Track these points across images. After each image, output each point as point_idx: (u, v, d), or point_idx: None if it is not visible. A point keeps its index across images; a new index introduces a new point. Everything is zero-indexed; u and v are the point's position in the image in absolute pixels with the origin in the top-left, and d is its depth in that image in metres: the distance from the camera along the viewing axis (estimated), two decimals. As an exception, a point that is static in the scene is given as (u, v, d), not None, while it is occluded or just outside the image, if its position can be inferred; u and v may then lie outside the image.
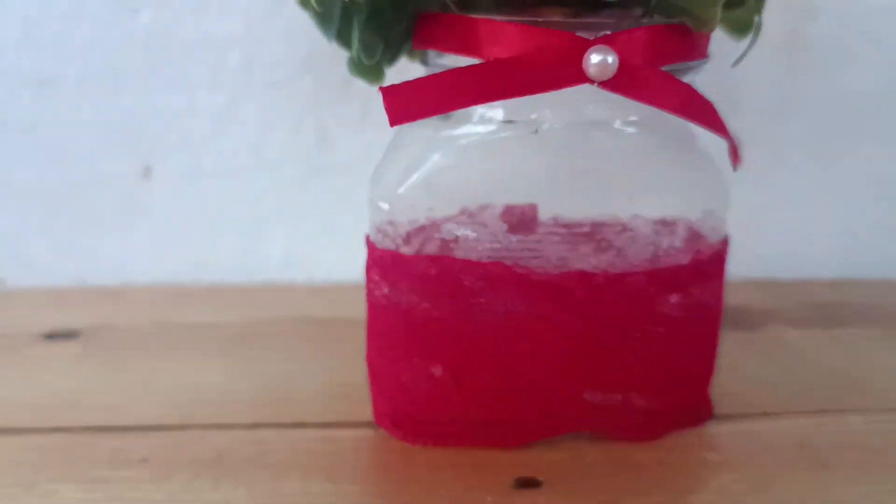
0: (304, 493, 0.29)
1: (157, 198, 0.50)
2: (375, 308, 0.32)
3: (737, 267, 0.51)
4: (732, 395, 0.37)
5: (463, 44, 0.28)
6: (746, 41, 0.33)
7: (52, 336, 0.42)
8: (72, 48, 0.47)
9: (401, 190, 0.30)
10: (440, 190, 0.30)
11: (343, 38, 0.30)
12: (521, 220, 0.30)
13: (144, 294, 0.49)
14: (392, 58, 0.32)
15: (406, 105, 0.26)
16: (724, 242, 0.33)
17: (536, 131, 0.28)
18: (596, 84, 0.26)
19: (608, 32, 0.27)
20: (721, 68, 0.49)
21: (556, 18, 0.28)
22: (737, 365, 0.39)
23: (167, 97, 0.48)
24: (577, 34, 0.26)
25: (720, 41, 0.47)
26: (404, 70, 0.33)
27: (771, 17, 0.49)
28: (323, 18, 0.30)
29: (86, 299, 0.48)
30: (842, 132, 0.51)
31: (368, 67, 0.30)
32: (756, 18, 0.32)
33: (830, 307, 0.47)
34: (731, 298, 0.46)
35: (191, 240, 0.50)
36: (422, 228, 0.30)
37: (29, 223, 0.49)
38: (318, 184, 0.50)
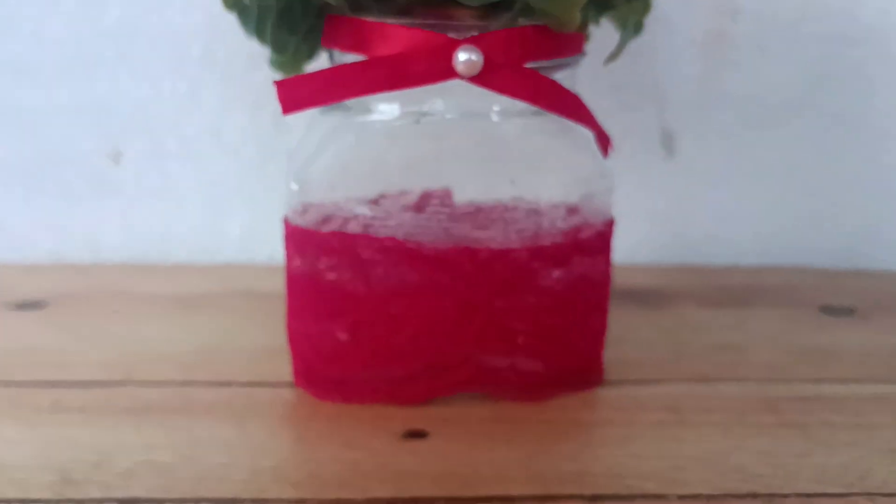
0: (213, 438, 0.33)
1: (125, 178, 0.54)
2: (291, 279, 0.36)
3: (660, 252, 0.55)
4: (625, 364, 0.40)
5: (357, 43, 0.31)
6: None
7: (22, 306, 0.46)
8: (48, 39, 0.51)
9: (307, 173, 0.34)
10: (342, 173, 0.34)
11: (260, 35, 0.34)
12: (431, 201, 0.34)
13: (112, 269, 0.53)
14: (309, 54, 0.35)
15: (297, 96, 0.30)
16: (609, 224, 0.37)
17: (418, 121, 0.32)
18: (465, 79, 0.30)
19: (476, 33, 0.30)
20: (650, 64, 0.53)
21: (449, 21, 0.32)
22: (636, 338, 0.43)
23: (134, 84, 0.52)
24: (449, 35, 0.30)
25: (649, 42, 0.51)
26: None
27: (695, 16, 0.53)
28: (243, 17, 0.34)
29: (57, 273, 0.52)
30: (761, 123, 0.54)
31: (285, 62, 0.34)
32: (633, 20, 0.35)
33: (741, 290, 0.50)
34: (648, 281, 0.50)
35: (156, 218, 0.54)
36: (327, 207, 0.34)
37: (7, 200, 0.54)
38: (274, 166, 0.54)
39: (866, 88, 0.54)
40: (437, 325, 0.34)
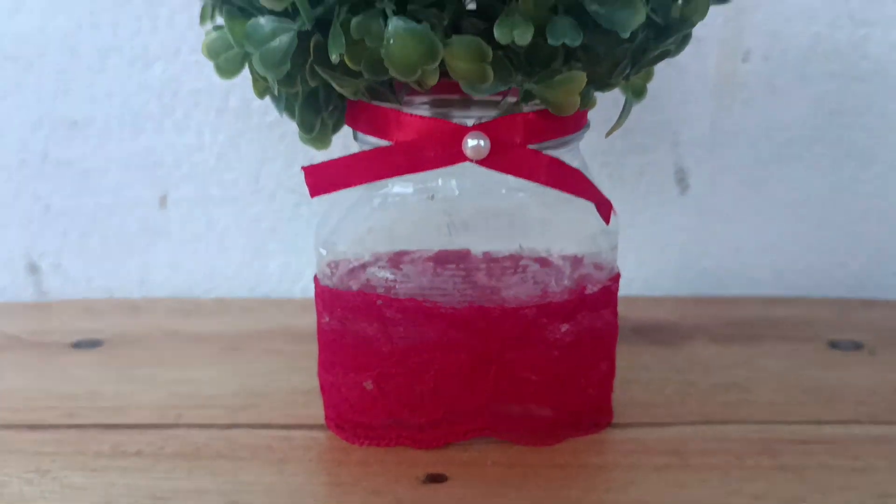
0: (258, 482, 0.37)
1: (171, 221, 0.58)
2: (322, 333, 0.39)
3: (675, 284, 0.58)
4: (634, 405, 0.43)
5: (375, 128, 0.35)
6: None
7: (79, 345, 0.50)
8: (99, 95, 0.55)
9: (334, 240, 0.37)
10: (365, 240, 0.37)
11: (290, 115, 0.37)
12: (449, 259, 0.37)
13: (161, 305, 0.57)
14: (334, 129, 0.39)
15: (323, 181, 0.34)
16: (614, 278, 0.40)
17: (433, 197, 0.35)
18: (474, 162, 0.33)
19: (485, 119, 0.33)
20: (662, 107, 0.55)
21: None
22: (646, 378, 0.46)
23: (178, 135, 0.56)
24: (459, 121, 0.33)
25: (662, 86, 0.53)
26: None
27: (706, 57, 0.55)
28: (273, 101, 0.38)
29: (111, 311, 0.56)
30: (773, 159, 0.56)
31: (312, 139, 0.37)
32: (629, 96, 0.38)
33: (752, 324, 0.53)
34: (662, 314, 0.53)
35: (201, 257, 0.58)
36: (353, 270, 0.37)
37: (65, 244, 0.58)
38: (306, 209, 0.57)
39: (876, 123, 0.56)
40: (454, 376, 0.37)
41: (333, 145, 0.39)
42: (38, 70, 0.55)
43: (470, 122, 0.33)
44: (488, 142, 0.33)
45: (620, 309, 0.48)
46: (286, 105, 0.37)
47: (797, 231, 0.58)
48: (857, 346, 0.49)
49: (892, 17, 0.54)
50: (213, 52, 0.33)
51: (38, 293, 0.59)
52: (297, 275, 0.58)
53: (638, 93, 0.40)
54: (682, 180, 0.57)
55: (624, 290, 0.56)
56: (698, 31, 0.53)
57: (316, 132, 0.36)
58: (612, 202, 0.55)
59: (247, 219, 0.58)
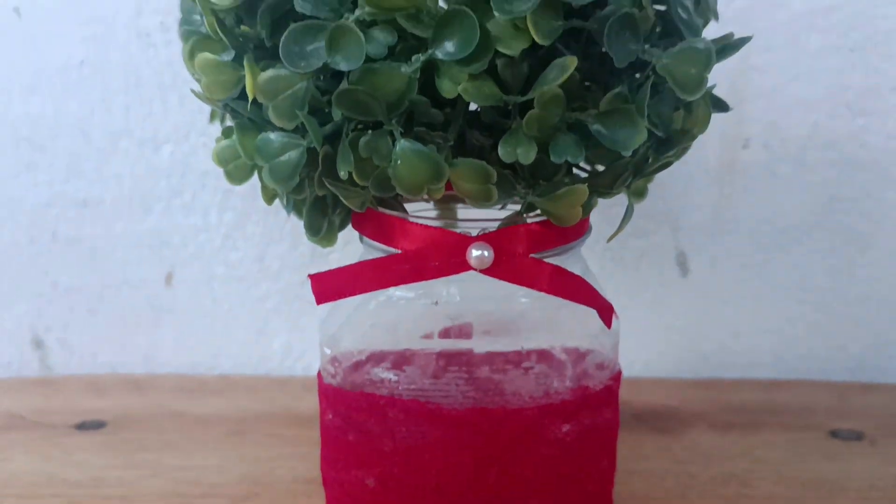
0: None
1: (177, 299, 0.58)
2: (325, 429, 0.40)
3: (677, 366, 0.58)
4: (635, 500, 0.43)
5: (381, 235, 0.35)
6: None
7: (83, 426, 0.51)
8: (109, 177, 0.56)
9: (338, 339, 0.38)
10: (369, 340, 0.37)
11: (297, 215, 0.38)
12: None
13: (166, 382, 0.57)
14: (341, 226, 0.39)
15: (329, 288, 0.34)
16: (615, 377, 0.40)
17: (437, 303, 0.36)
18: (477, 271, 0.34)
19: (489, 229, 0.34)
20: (663, 192, 0.56)
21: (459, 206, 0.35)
22: (647, 469, 0.46)
23: (186, 216, 0.57)
24: (463, 231, 0.34)
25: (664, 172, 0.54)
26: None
27: (707, 145, 0.56)
28: (282, 203, 0.38)
29: (115, 388, 0.56)
30: (772, 244, 0.57)
31: (319, 238, 0.38)
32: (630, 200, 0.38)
33: (753, 410, 0.53)
34: (662, 399, 0.53)
35: (206, 335, 0.59)
36: (356, 368, 0.38)
37: (72, 320, 0.58)
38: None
39: (873, 210, 0.57)
40: (456, 476, 0.38)
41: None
42: (50, 151, 0.56)
43: (474, 232, 0.34)
44: (492, 252, 0.33)
45: (622, 392, 0.48)
46: (294, 206, 0.38)
47: (797, 315, 0.59)
48: (858, 437, 0.50)
49: (889, 107, 0.55)
50: (223, 159, 0.34)
51: (42, 368, 0.59)
52: (300, 353, 0.59)
53: (639, 194, 0.40)
54: (682, 264, 0.58)
55: (625, 371, 0.56)
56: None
57: (323, 234, 0.37)
58: (613, 286, 0.56)
59: (251, 298, 0.58)
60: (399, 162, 0.30)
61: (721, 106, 0.37)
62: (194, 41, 0.33)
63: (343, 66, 0.29)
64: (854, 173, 0.56)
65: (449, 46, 0.29)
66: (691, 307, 0.59)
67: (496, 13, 0.28)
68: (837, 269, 0.58)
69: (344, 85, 0.29)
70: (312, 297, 0.56)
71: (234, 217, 0.57)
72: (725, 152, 0.56)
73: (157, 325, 0.59)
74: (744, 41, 0.35)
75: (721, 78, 0.54)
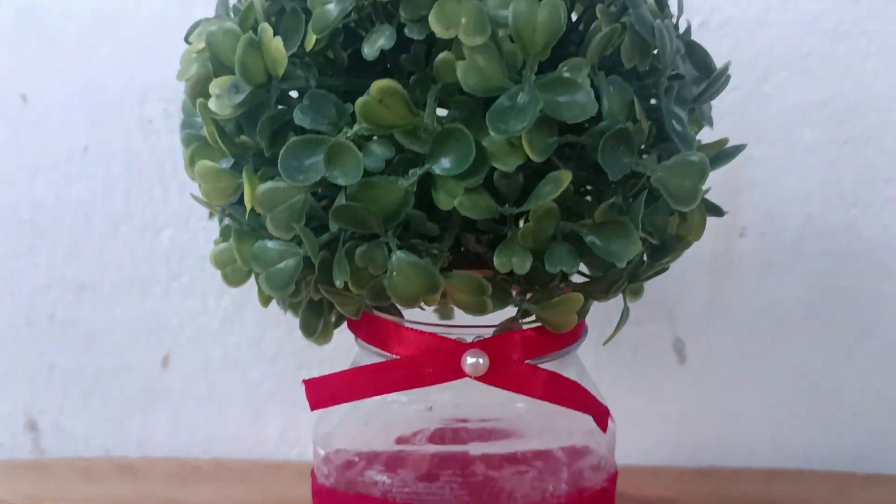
0: None
1: (173, 382, 0.58)
2: (318, 526, 0.39)
3: (674, 454, 0.58)
4: None
5: (376, 339, 0.35)
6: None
7: (74, 516, 0.50)
8: (108, 261, 0.56)
9: (332, 441, 0.38)
10: (363, 440, 0.37)
11: (294, 313, 0.38)
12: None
13: (159, 468, 0.57)
14: (336, 324, 0.39)
15: (323, 395, 0.34)
16: (611, 478, 0.40)
17: (430, 408, 0.36)
18: (472, 378, 0.34)
19: (484, 336, 0.34)
20: (660, 281, 0.56)
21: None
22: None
23: (184, 300, 0.57)
24: (458, 337, 0.34)
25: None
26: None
27: (704, 235, 0.56)
28: (278, 302, 0.39)
29: (108, 473, 0.56)
30: (769, 333, 0.57)
31: (315, 337, 0.38)
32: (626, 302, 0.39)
33: (752, 503, 0.52)
34: (659, 490, 0.53)
35: (201, 419, 0.58)
36: (350, 470, 0.38)
37: (66, 404, 0.58)
38: (306, 373, 0.57)
39: (870, 300, 0.57)
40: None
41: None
42: (51, 235, 0.56)
43: (469, 338, 0.34)
44: (487, 359, 0.34)
45: (619, 483, 0.48)
46: (290, 307, 0.38)
47: (794, 404, 0.58)
48: (857, 535, 0.49)
49: (883, 199, 0.56)
50: (220, 262, 0.35)
51: (35, 451, 0.59)
52: (295, 439, 0.59)
53: (635, 294, 0.40)
54: (679, 351, 0.58)
55: (623, 460, 0.56)
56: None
57: (318, 334, 0.37)
58: (610, 374, 0.56)
59: (247, 382, 0.58)
60: (395, 273, 0.30)
61: (716, 211, 0.37)
62: (194, 148, 0.33)
63: (341, 182, 0.29)
64: (849, 264, 0.57)
65: (445, 162, 0.29)
66: (688, 395, 0.58)
67: (491, 132, 0.28)
68: (834, 359, 0.58)
69: (341, 200, 0.29)
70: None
71: (232, 302, 0.57)
72: (721, 241, 0.57)
73: (152, 408, 0.58)
74: (738, 149, 0.36)
75: (716, 169, 0.54)
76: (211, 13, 0.51)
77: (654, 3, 0.33)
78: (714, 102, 0.52)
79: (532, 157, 0.29)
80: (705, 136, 0.39)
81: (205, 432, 0.59)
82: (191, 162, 0.34)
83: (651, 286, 0.57)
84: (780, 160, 0.56)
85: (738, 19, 0.54)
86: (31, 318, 0.57)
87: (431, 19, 0.28)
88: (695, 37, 0.49)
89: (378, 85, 0.28)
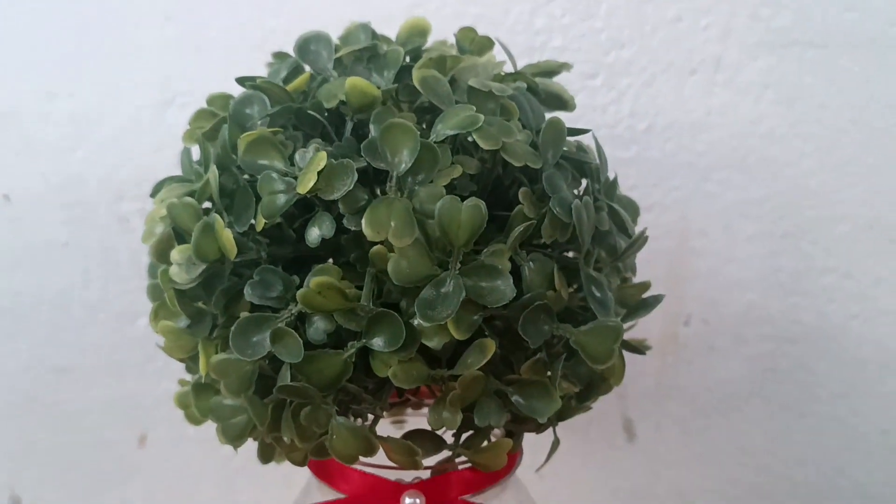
0: None
1: (148, 459, 0.61)
2: None
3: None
4: None
5: (324, 475, 0.39)
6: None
7: None
8: (86, 346, 0.60)
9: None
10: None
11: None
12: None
13: (135, 541, 0.60)
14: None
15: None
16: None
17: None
18: (409, 518, 0.37)
19: (422, 477, 0.37)
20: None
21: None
22: None
23: (158, 382, 0.60)
24: (397, 479, 0.37)
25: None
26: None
27: (651, 322, 0.60)
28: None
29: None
30: (712, 411, 0.61)
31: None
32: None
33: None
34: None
35: (176, 492, 0.62)
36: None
37: (49, 477, 0.61)
38: (278, 453, 0.61)
39: (807, 379, 0.60)
40: None
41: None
42: (31, 322, 0.59)
43: (408, 479, 0.37)
44: (424, 499, 0.37)
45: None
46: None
47: (738, 476, 0.62)
48: None
49: (819, 288, 0.59)
50: (183, 404, 0.38)
51: (19, 524, 0.62)
52: (266, 511, 0.62)
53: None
54: (629, 430, 0.61)
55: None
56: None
57: (273, 460, 0.40)
58: (564, 449, 0.60)
59: (219, 457, 0.61)
60: (335, 437, 0.33)
61: (637, 350, 0.40)
62: (157, 305, 0.37)
63: (285, 358, 0.32)
64: (788, 347, 0.60)
65: (379, 341, 0.32)
66: (638, 469, 0.62)
67: (420, 320, 0.32)
68: (775, 434, 0.61)
69: (286, 374, 0.33)
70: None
71: (204, 384, 0.60)
72: (667, 327, 0.60)
73: (130, 482, 0.62)
74: (657, 300, 0.39)
75: (661, 259, 0.58)
76: (180, 118, 0.54)
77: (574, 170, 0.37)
78: (660, 198, 0.56)
79: (457, 336, 0.32)
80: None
81: (179, 504, 0.62)
82: (154, 317, 0.37)
83: (600, 370, 0.60)
84: (722, 252, 0.59)
85: (681, 122, 0.57)
86: (13, 399, 0.60)
87: (364, 223, 0.31)
88: (641, 140, 0.54)
89: (316, 280, 0.31)
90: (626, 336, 0.40)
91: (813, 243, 0.59)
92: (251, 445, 0.60)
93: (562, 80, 0.42)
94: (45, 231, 0.58)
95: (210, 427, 0.60)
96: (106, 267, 0.59)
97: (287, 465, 0.58)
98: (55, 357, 0.60)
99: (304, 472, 0.43)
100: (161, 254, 0.36)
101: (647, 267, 0.46)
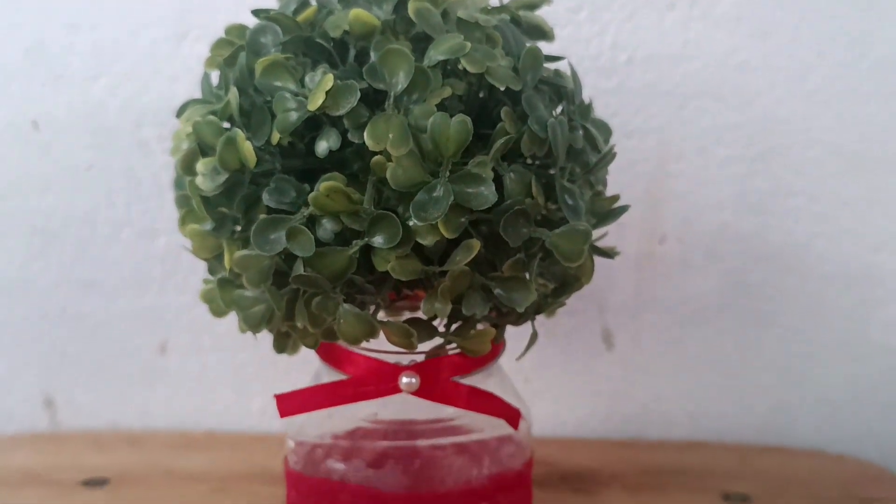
0: None
1: (170, 365, 0.67)
2: (290, 502, 0.49)
3: (603, 425, 0.67)
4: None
5: (331, 359, 0.44)
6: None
7: (88, 483, 0.60)
8: (111, 262, 0.65)
9: (301, 435, 0.47)
10: (328, 426, 0.46)
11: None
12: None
13: (159, 438, 0.66)
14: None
15: (290, 406, 0.43)
16: (527, 464, 0.49)
17: (376, 414, 0.45)
18: (407, 393, 0.43)
19: (417, 360, 0.43)
20: (594, 279, 0.65)
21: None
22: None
23: (178, 296, 0.66)
24: (396, 361, 0.43)
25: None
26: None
27: (629, 240, 0.65)
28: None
29: (115, 444, 0.65)
30: (687, 322, 0.66)
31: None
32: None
33: (662, 472, 0.62)
34: (585, 460, 0.62)
35: (195, 397, 0.68)
36: (316, 457, 0.47)
37: (77, 383, 0.67)
38: (285, 358, 0.67)
39: (774, 294, 0.66)
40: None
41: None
42: (61, 240, 0.64)
43: (405, 361, 0.43)
44: (419, 378, 0.42)
45: (552, 452, 0.58)
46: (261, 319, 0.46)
47: (709, 382, 0.68)
48: (745, 500, 0.59)
49: (787, 208, 0.64)
50: (207, 299, 0.43)
51: (52, 424, 0.68)
52: (275, 413, 0.67)
53: (550, 314, 0.49)
54: (607, 340, 0.67)
55: (559, 430, 0.66)
56: (621, 217, 0.63)
57: (287, 351, 0.46)
58: (547, 357, 0.65)
59: (234, 365, 0.67)
60: (342, 321, 0.39)
61: (606, 254, 0.45)
62: (184, 212, 0.42)
63: (299, 253, 0.37)
64: (757, 264, 0.65)
65: (379, 239, 0.37)
66: (617, 376, 0.68)
67: (414, 220, 0.37)
68: (744, 344, 0.67)
69: (299, 266, 0.38)
70: (286, 365, 0.66)
71: (220, 297, 0.65)
72: (644, 244, 0.65)
73: (153, 387, 0.68)
74: (623, 209, 0.44)
75: (640, 182, 0.63)
76: (195, 50, 0.58)
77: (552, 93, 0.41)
78: (640, 125, 0.60)
79: (446, 235, 0.37)
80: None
81: (198, 407, 0.68)
82: (182, 223, 0.42)
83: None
84: (697, 174, 0.64)
85: (660, 55, 0.62)
86: (45, 311, 0.66)
87: (366, 136, 0.36)
88: (622, 71, 0.58)
89: (325, 184, 0.36)
90: (599, 244, 0.45)
91: (782, 167, 0.63)
92: (263, 356, 0.66)
93: (548, 15, 0.46)
94: (71, 156, 0.63)
95: (225, 336, 0.66)
96: (128, 188, 0.64)
97: (295, 372, 0.64)
98: (83, 272, 0.65)
99: (311, 376, 0.49)
100: (187, 166, 0.41)
101: (626, 189, 0.51)
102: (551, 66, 0.43)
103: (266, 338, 0.67)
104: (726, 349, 0.67)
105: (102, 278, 0.65)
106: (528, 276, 0.40)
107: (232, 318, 0.66)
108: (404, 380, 0.42)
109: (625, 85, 0.62)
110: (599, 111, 0.55)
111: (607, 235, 0.61)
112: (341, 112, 0.37)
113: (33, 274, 0.65)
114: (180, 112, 0.44)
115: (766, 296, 0.66)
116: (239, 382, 0.67)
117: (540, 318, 0.59)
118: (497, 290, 0.40)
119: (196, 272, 0.65)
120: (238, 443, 0.66)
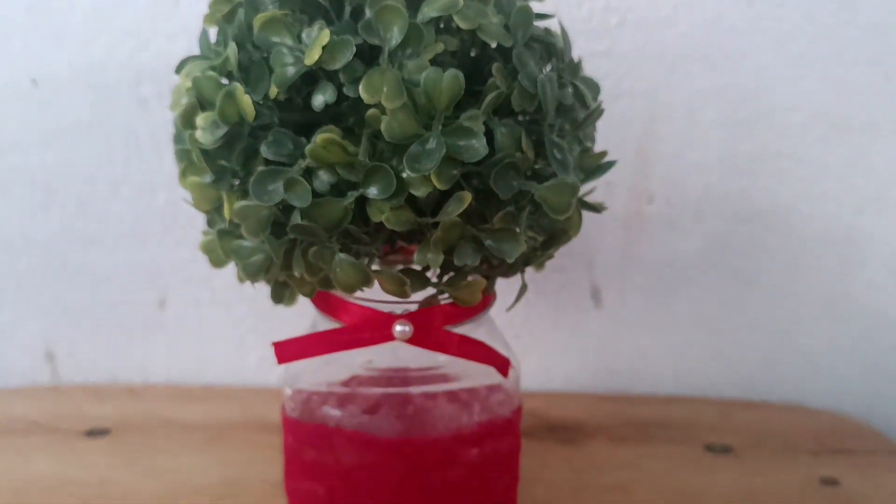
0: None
1: (169, 319, 0.69)
2: (286, 449, 0.51)
3: (591, 380, 0.69)
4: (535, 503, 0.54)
5: (328, 308, 0.46)
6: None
7: (91, 433, 0.62)
8: (111, 217, 0.66)
9: (298, 383, 0.48)
10: (324, 378, 0.48)
11: (267, 284, 0.49)
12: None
13: (159, 391, 0.68)
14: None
15: (287, 353, 0.45)
16: (516, 411, 0.51)
17: (371, 361, 0.46)
18: (400, 341, 0.44)
19: (410, 309, 0.45)
20: (579, 236, 0.66)
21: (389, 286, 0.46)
22: (548, 478, 0.57)
23: (177, 250, 0.67)
24: (389, 310, 0.44)
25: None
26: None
27: (617, 200, 0.66)
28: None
29: (116, 396, 0.67)
30: (673, 281, 0.68)
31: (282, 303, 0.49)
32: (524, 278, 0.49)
33: (647, 424, 0.64)
34: (573, 412, 0.64)
35: (193, 350, 0.69)
36: (312, 404, 0.49)
37: (78, 335, 0.69)
38: (281, 312, 0.68)
39: (758, 254, 0.67)
40: (387, 489, 0.49)
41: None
42: (62, 195, 0.66)
43: (398, 311, 0.45)
44: (412, 327, 0.44)
45: (540, 405, 0.60)
46: (259, 270, 0.48)
47: (694, 339, 0.70)
48: (727, 450, 0.61)
49: (771, 170, 0.65)
50: (208, 250, 0.45)
51: (53, 377, 0.70)
52: (272, 366, 0.70)
53: (538, 268, 0.51)
54: (596, 297, 0.69)
55: (547, 385, 0.68)
56: (610, 177, 0.65)
57: (284, 301, 0.47)
58: (537, 313, 0.67)
59: (231, 318, 0.69)
60: (338, 270, 0.40)
61: (594, 208, 0.47)
62: (185, 165, 0.43)
63: (296, 203, 0.39)
64: (741, 225, 0.67)
65: (374, 190, 0.39)
66: (604, 332, 0.70)
67: (407, 171, 0.38)
68: (728, 302, 0.69)
69: (297, 216, 0.39)
70: (283, 318, 0.68)
71: (218, 253, 0.67)
72: (632, 203, 0.67)
73: (152, 340, 0.69)
74: (610, 164, 0.45)
75: (629, 143, 0.64)
76: (192, 9, 0.59)
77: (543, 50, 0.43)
78: (629, 87, 0.62)
79: (438, 186, 0.39)
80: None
81: (196, 360, 0.70)
82: (182, 175, 0.43)
83: (571, 241, 0.67)
84: (684, 137, 0.65)
85: (650, 19, 0.63)
86: (47, 265, 0.67)
87: (361, 89, 0.37)
88: (613, 34, 0.60)
89: (321, 136, 0.38)
90: (587, 200, 0.47)
91: (768, 130, 0.65)
92: (261, 309, 0.68)
93: (538, -25, 0.48)
94: (71, 112, 0.64)
95: (223, 290, 0.67)
96: (127, 145, 0.65)
97: (291, 326, 0.66)
98: (83, 227, 0.67)
99: (307, 330, 0.50)
100: (187, 120, 0.42)
101: (615, 150, 0.52)
102: (541, 24, 0.44)
103: (263, 292, 0.68)
104: (711, 307, 0.69)
105: (102, 233, 0.67)
106: (517, 228, 0.41)
107: (230, 273, 0.68)
108: (398, 328, 0.44)
109: (615, 48, 0.63)
110: (590, 73, 0.56)
111: (596, 194, 0.63)
112: (337, 66, 0.38)
113: (35, 228, 0.66)
114: (179, 68, 0.45)
115: (750, 256, 0.67)
116: (237, 336, 0.69)
117: (530, 275, 0.61)
118: (488, 242, 0.41)
119: (194, 227, 0.66)
120: (236, 395, 0.68)
